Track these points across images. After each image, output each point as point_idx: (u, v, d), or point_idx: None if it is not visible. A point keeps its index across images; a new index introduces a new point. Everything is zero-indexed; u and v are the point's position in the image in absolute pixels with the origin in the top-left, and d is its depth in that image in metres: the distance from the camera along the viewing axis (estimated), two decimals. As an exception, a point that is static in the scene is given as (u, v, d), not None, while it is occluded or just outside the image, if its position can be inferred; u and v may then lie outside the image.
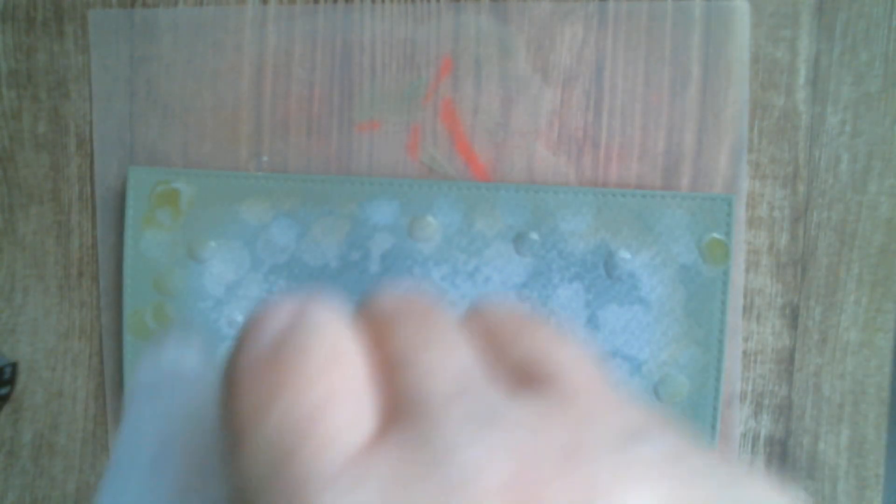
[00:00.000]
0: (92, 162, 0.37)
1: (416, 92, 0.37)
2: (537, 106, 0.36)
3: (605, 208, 0.36)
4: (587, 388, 0.12)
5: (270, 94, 0.37)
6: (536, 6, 0.36)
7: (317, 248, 0.36)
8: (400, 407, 0.11)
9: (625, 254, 0.36)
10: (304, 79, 0.37)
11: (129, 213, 0.36)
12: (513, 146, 0.36)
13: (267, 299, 0.13)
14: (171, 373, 0.15)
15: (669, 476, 0.10)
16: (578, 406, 0.11)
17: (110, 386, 0.38)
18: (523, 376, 0.12)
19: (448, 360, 0.12)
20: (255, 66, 0.37)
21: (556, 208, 0.36)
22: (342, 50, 0.37)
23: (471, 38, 0.36)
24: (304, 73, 0.37)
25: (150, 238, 0.36)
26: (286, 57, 0.37)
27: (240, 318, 0.37)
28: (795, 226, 0.37)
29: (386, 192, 0.36)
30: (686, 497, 0.10)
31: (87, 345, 0.38)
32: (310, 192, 0.36)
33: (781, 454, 0.37)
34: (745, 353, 0.37)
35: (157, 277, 0.36)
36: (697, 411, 0.36)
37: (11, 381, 0.38)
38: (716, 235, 0.35)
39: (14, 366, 0.38)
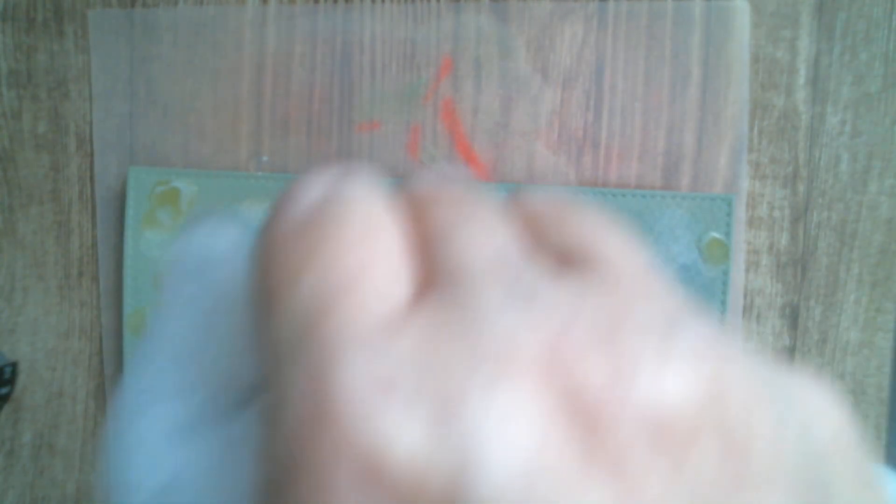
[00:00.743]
0: (92, 162, 0.37)
1: (416, 92, 0.37)
2: (537, 106, 0.36)
3: (605, 208, 0.36)
4: (630, 274, 0.11)
5: (270, 94, 0.37)
6: (536, 6, 0.36)
7: (317, 248, 0.36)
8: (435, 278, 0.11)
9: (625, 254, 0.36)
10: (304, 79, 0.37)
11: (129, 213, 0.36)
12: (513, 146, 0.36)
13: (301, 176, 0.12)
14: (205, 255, 0.15)
15: (712, 358, 0.09)
16: (621, 289, 0.11)
17: (110, 386, 0.38)
18: (564, 259, 0.12)
19: (487, 236, 0.11)
20: (255, 66, 0.37)
21: (556, 208, 0.36)
22: (342, 50, 0.37)
23: (471, 38, 0.36)
24: (304, 73, 0.37)
25: (150, 238, 0.36)
26: (286, 57, 0.37)
27: (240, 318, 0.37)
28: (795, 226, 0.37)
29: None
30: (729, 377, 0.09)
31: (87, 345, 0.38)
32: (310, 192, 0.36)
33: (781, 454, 0.37)
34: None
35: (157, 277, 0.36)
36: (697, 411, 0.36)
37: (11, 381, 0.38)
38: (716, 235, 0.35)
39: (14, 366, 0.38)
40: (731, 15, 0.36)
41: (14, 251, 0.38)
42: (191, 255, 0.15)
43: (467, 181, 0.13)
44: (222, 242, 0.15)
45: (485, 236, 0.11)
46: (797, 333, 0.37)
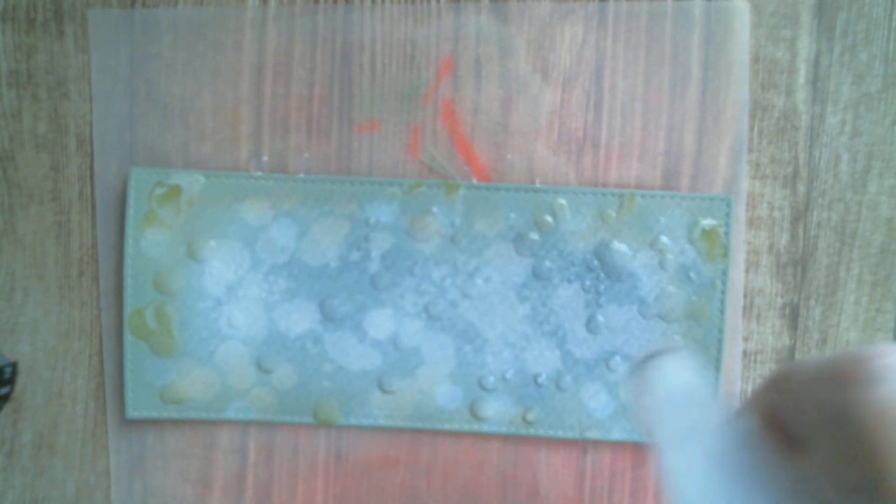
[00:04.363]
0: (92, 162, 0.37)
1: (416, 92, 0.37)
2: (537, 106, 0.36)
3: (605, 208, 0.36)
4: None
5: (270, 94, 0.37)
6: (536, 6, 0.36)
7: (317, 248, 0.36)
8: None
9: (625, 250, 0.36)
10: (304, 79, 0.37)
11: (130, 213, 0.36)
12: (513, 146, 0.36)
13: (872, 349, 0.14)
14: (685, 393, 0.16)
15: None
16: None
17: (110, 386, 0.38)
18: None
19: None
20: (255, 66, 0.37)
21: (557, 208, 0.36)
22: (342, 50, 0.37)
23: (471, 38, 0.36)
24: (304, 73, 0.37)
25: (151, 238, 0.36)
26: (286, 57, 0.37)
27: (240, 318, 0.37)
28: (795, 226, 0.37)
29: (386, 192, 0.36)
30: None
31: (87, 345, 0.38)
32: (310, 192, 0.36)
33: (781, 454, 0.37)
34: (745, 353, 0.37)
35: (157, 277, 0.36)
36: (697, 411, 0.36)
37: (11, 381, 0.38)
38: (711, 222, 0.35)
39: (14, 366, 0.38)
40: (731, 15, 0.36)
41: (14, 251, 0.38)
42: (673, 391, 0.16)
43: None
44: (697, 381, 0.17)
45: None
46: (797, 333, 0.37)
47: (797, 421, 0.14)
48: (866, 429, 0.12)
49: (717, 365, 0.36)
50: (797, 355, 0.37)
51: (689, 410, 0.16)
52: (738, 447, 0.15)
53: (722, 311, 0.36)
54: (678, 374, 0.16)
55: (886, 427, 0.12)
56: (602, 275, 0.36)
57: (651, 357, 0.17)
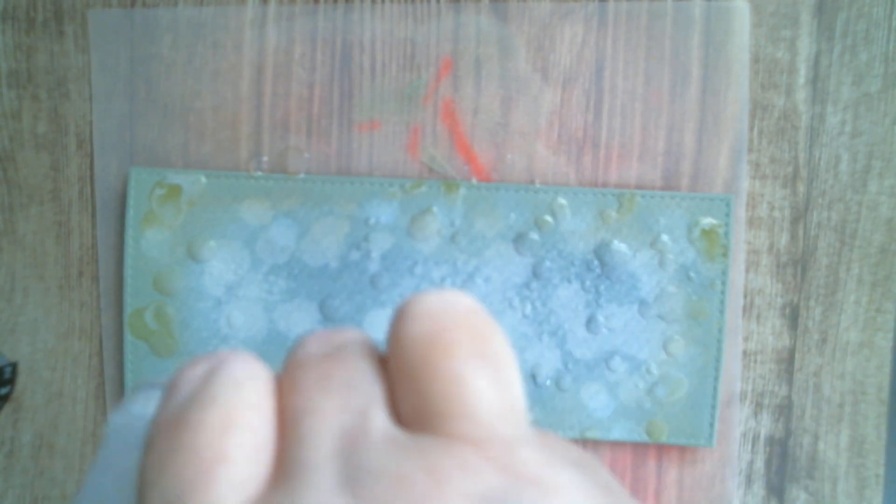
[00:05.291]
0: (92, 162, 0.37)
1: (416, 92, 0.37)
2: (537, 106, 0.36)
3: (606, 208, 0.36)
4: (486, 437, 0.11)
5: (270, 94, 0.37)
6: (536, 6, 0.36)
7: (317, 248, 0.36)
8: (284, 468, 0.11)
9: (625, 250, 0.36)
10: (304, 79, 0.37)
11: (130, 213, 0.36)
12: (513, 146, 0.36)
13: (194, 358, 0.13)
14: (134, 425, 0.16)
15: None
16: (466, 455, 0.11)
17: (110, 386, 0.38)
18: (431, 412, 0.12)
19: (336, 416, 0.12)
20: (255, 66, 0.37)
21: (557, 208, 0.36)
22: (342, 50, 0.37)
23: (471, 38, 0.36)
24: (304, 73, 0.37)
25: (151, 238, 0.36)
26: (286, 57, 0.37)
27: (240, 319, 0.37)
28: (795, 226, 0.37)
29: (386, 192, 0.36)
30: None
31: (87, 345, 0.38)
32: (310, 192, 0.36)
33: (781, 454, 0.37)
34: (745, 353, 0.37)
35: (157, 277, 0.36)
36: (696, 411, 0.36)
37: (11, 381, 0.38)
38: (711, 221, 0.35)
39: (14, 366, 0.38)
40: (731, 15, 0.36)
41: (14, 251, 0.38)
42: (124, 427, 0.16)
43: (355, 341, 0.14)
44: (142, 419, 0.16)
45: (335, 414, 0.12)
46: (797, 333, 0.37)
47: None
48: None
49: (716, 365, 0.36)
50: (797, 355, 0.37)
51: (127, 442, 0.15)
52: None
53: (722, 311, 0.36)
54: (138, 407, 0.16)
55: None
56: (602, 274, 0.36)
57: (137, 388, 0.17)
